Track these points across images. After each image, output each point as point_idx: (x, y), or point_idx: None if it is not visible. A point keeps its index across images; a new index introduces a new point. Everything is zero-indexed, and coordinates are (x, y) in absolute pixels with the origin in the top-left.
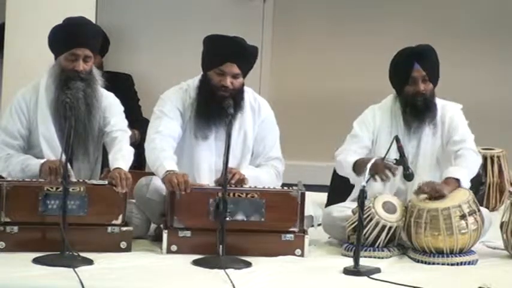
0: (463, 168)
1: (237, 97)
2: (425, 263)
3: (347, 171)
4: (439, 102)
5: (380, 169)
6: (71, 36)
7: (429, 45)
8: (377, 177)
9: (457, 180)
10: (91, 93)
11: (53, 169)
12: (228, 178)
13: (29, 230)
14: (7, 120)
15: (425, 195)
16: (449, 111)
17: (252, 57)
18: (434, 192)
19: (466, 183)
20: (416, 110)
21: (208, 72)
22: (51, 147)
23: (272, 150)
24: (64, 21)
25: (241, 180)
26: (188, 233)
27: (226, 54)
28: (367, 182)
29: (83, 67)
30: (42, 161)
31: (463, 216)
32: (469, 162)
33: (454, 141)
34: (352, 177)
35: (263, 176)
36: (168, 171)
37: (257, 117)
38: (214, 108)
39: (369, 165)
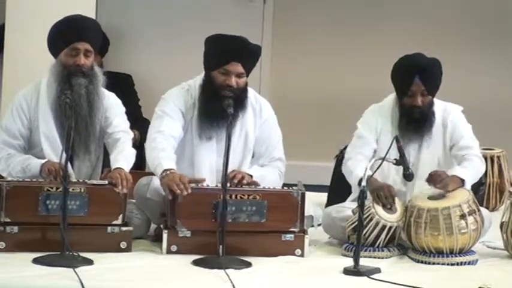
0: (468, 170)
1: (241, 96)
2: (425, 263)
3: (352, 183)
4: (439, 104)
5: (384, 191)
6: (70, 31)
7: (434, 59)
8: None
9: (462, 180)
10: (93, 90)
11: (52, 171)
12: (235, 181)
13: (29, 230)
14: (8, 120)
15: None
16: (450, 113)
17: (256, 56)
18: (440, 182)
19: (469, 184)
20: (412, 122)
21: (212, 72)
22: (52, 146)
23: (275, 151)
24: (62, 19)
25: (253, 182)
26: (188, 233)
27: (231, 53)
28: (366, 182)
29: (84, 61)
30: (43, 161)
31: (462, 216)
32: (474, 167)
33: (460, 147)
34: (355, 188)
35: (269, 176)
36: (165, 170)
37: (258, 117)
38: (217, 108)
39: (368, 166)
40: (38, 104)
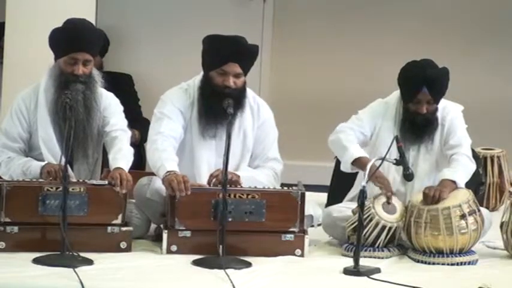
0: (456, 171)
1: (240, 96)
2: (425, 263)
3: (344, 160)
4: (439, 103)
5: (385, 183)
6: (70, 41)
7: (443, 70)
8: (378, 185)
9: (454, 182)
10: (90, 96)
11: (51, 172)
12: (220, 178)
13: (29, 230)
14: (7, 123)
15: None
16: (449, 113)
17: (253, 56)
18: (437, 199)
19: (462, 184)
20: (415, 127)
21: (210, 73)
22: (50, 150)
23: (270, 151)
24: (64, 23)
25: (235, 181)
26: (188, 233)
27: (228, 54)
28: (366, 182)
29: (82, 71)
30: (43, 163)
31: (463, 216)
32: (462, 166)
33: (450, 145)
34: (346, 165)
35: (260, 177)
36: (168, 171)
37: (256, 118)
38: (217, 108)
39: (369, 165)
40: (36, 107)
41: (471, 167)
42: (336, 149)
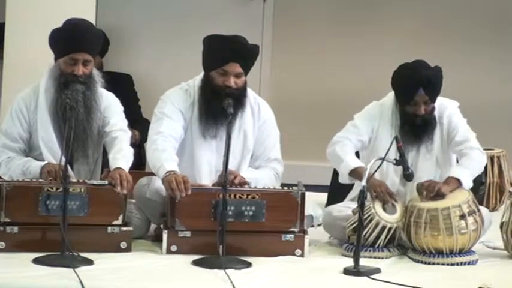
0: (465, 168)
1: (240, 96)
2: (425, 263)
3: (341, 171)
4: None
5: (382, 190)
6: (70, 41)
7: (436, 69)
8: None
9: (458, 180)
10: (90, 96)
11: (51, 172)
12: (229, 179)
13: (29, 230)
14: (7, 123)
15: (423, 195)
16: (446, 109)
17: (254, 55)
18: (431, 193)
19: (467, 183)
20: (415, 129)
21: (210, 73)
22: (50, 150)
23: (271, 152)
24: (64, 23)
25: (244, 183)
26: (188, 233)
27: (229, 54)
28: (366, 182)
29: (82, 71)
30: (42, 163)
31: (462, 216)
32: (472, 161)
33: (457, 142)
34: (343, 177)
35: (262, 178)
36: (168, 171)
37: (257, 118)
38: (217, 108)
39: (369, 165)
40: (36, 107)
41: (482, 159)
42: (333, 162)
